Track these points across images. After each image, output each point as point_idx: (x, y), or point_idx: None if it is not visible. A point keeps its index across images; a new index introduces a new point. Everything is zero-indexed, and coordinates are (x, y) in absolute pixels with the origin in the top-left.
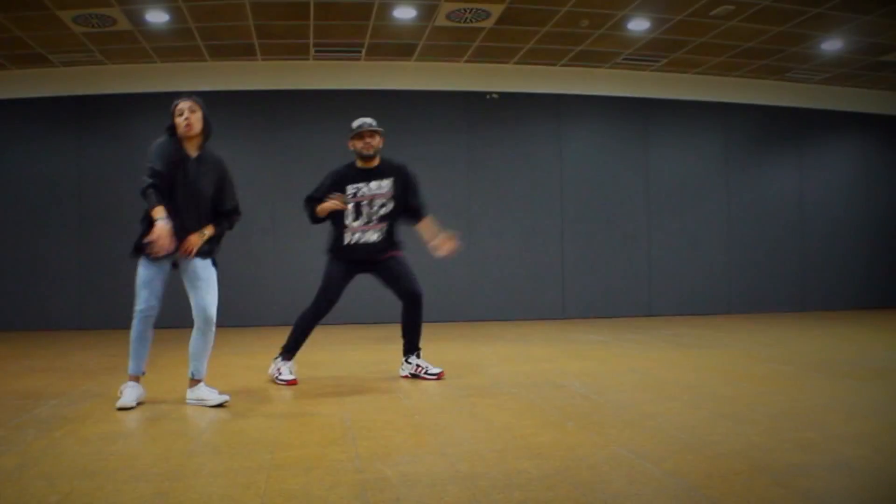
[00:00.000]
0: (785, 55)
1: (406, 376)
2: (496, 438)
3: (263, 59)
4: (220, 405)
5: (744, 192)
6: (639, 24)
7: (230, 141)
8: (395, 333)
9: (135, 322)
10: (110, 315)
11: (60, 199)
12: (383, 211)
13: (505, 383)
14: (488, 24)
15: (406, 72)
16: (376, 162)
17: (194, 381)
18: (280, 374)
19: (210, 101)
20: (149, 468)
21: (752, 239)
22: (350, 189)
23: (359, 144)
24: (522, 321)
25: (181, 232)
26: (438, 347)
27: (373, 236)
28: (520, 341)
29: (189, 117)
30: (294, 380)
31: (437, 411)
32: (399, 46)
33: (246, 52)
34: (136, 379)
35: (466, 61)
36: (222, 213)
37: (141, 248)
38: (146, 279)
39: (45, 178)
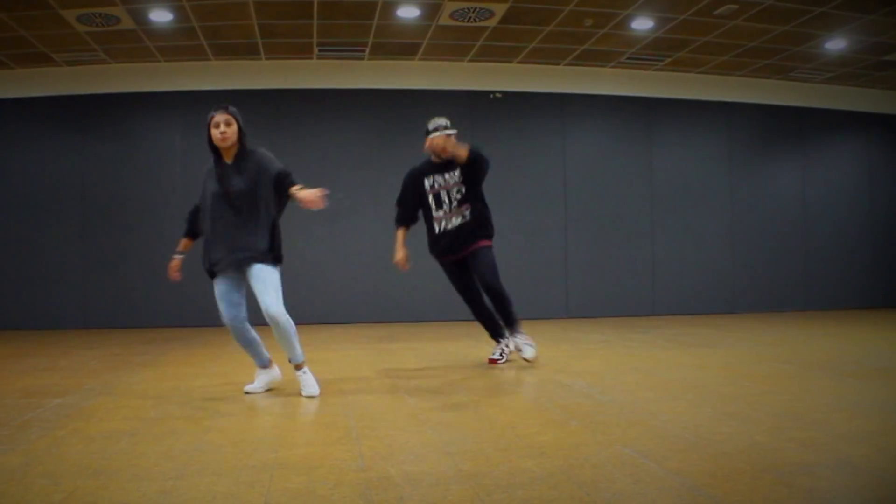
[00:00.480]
0: (788, 54)
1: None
2: (500, 437)
3: (267, 59)
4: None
5: (747, 192)
6: (642, 24)
7: None
8: (397, 332)
9: (231, 332)
10: (114, 314)
11: (64, 199)
12: (460, 196)
13: (508, 382)
14: (492, 23)
15: (410, 71)
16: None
17: (296, 366)
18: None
19: (213, 101)
20: (153, 467)
21: (756, 238)
22: (427, 182)
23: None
24: (526, 320)
25: (226, 238)
26: (441, 346)
27: (457, 220)
28: None
29: (225, 131)
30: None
31: (441, 410)
32: (403, 45)
33: (250, 52)
34: (264, 367)
35: (470, 60)
36: (281, 184)
37: (210, 271)
38: (219, 294)
39: (48, 177)
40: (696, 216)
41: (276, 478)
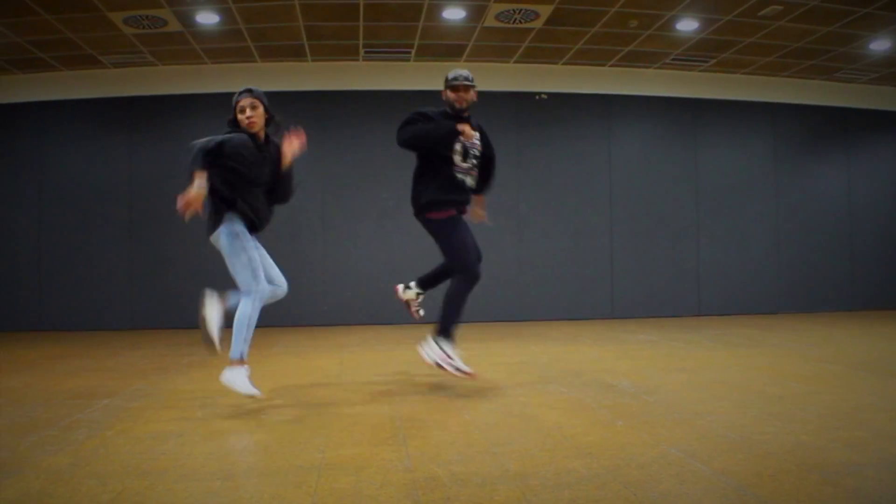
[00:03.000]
0: (833, 55)
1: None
2: (546, 438)
3: (313, 61)
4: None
5: (792, 192)
6: (687, 25)
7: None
8: None
9: (255, 304)
10: (161, 315)
11: (111, 200)
12: (476, 161)
13: (554, 382)
14: (537, 24)
15: None
16: (467, 115)
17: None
18: (451, 359)
19: None
20: (200, 467)
21: (801, 238)
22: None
23: (452, 96)
24: (571, 320)
25: (256, 211)
26: (488, 347)
27: (470, 181)
28: (569, 341)
29: (251, 115)
30: (472, 372)
31: (487, 410)
32: (448, 47)
33: (296, 54)
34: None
35: (515, 62)
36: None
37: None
38: (257, 258)
39: (96, 178)
40: (742, 216)
41: (323, 478)
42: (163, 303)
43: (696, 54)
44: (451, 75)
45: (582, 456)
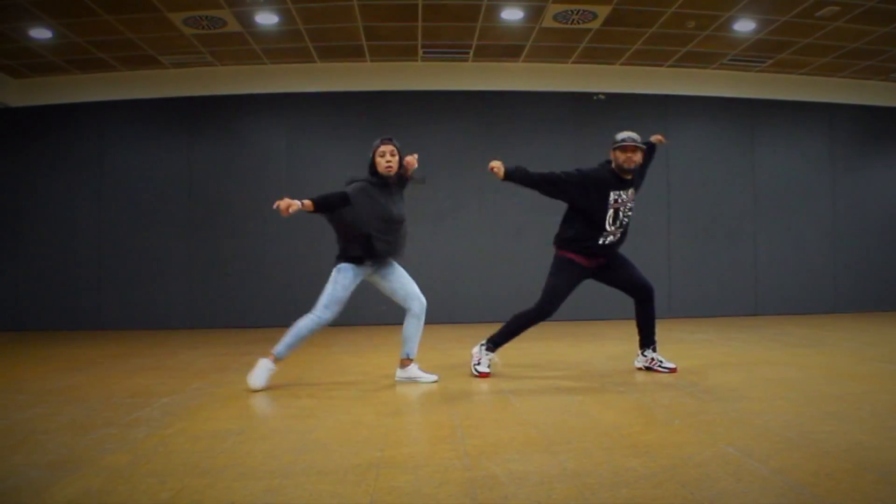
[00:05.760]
0: (890, 55)
1: (640, 368)
2: (603, 436)
3: (372, 61)
4: (432, 382)
5: (849, 192)
6: (744, 26)
7: (338, 142)
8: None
9: (325, 323)
10: (220, 314)
11: (171, 199)
12: (629, 217)
13: (611, 382)
14: (595, 25)
15: (513, 73)
16: (631, 176)
17: (409, 361)
18: (479, 363)
19: (318, 103)
20: (259, 466)
21: (858, 238)
22: (612, 195)
23: (621, 157)
24: (628, 320)
25: (388, 243)
26: (545, 346)
27: (612, 240)
28: (626, 340)
29: (391, 161)
30: (488, 373)
31: (545, 410)
32: (506, 48)
33: (354, 54)
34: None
35: (573, 62)
36: None
37: (363, 257)
38: (348, 285)
39: (155, 178)
40: (799, 217)
41: (381, 476)
42: (222, 302)
43: (753, 55)
44: (619, 136)
45: (639, 455)
